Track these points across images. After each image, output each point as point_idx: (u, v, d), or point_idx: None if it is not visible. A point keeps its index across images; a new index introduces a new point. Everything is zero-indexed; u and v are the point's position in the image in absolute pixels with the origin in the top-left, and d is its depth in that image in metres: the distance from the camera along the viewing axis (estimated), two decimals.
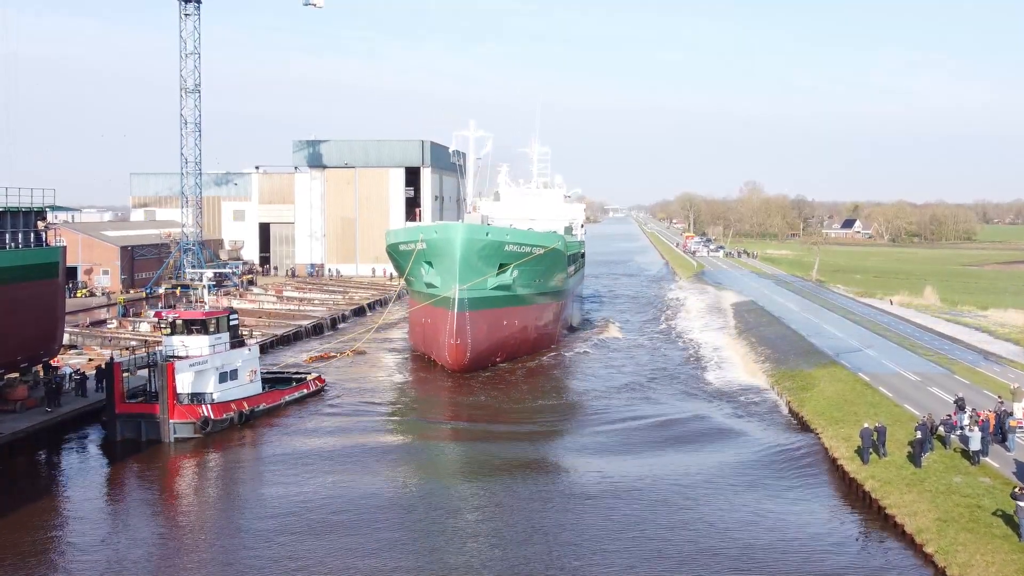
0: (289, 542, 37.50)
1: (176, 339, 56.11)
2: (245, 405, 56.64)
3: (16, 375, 57.13)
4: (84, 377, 60.97)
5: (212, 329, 56.87)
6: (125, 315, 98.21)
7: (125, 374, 54.17)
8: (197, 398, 54.33)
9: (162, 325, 58.49)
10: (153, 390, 54.32)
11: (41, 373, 59.97)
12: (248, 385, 58.66)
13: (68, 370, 61.55)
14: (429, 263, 74.81)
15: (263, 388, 60.41)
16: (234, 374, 57.53)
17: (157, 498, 45.18)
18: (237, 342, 59.26)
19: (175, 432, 52.74)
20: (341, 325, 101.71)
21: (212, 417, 53.68)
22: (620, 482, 45.44)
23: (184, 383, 53.93)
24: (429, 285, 75.54)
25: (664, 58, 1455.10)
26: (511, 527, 39.25)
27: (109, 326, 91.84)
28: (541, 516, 40.49)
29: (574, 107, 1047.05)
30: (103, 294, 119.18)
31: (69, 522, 41.07)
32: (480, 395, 66.29)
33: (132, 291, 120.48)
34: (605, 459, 49.61)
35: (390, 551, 36.49)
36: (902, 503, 39.65)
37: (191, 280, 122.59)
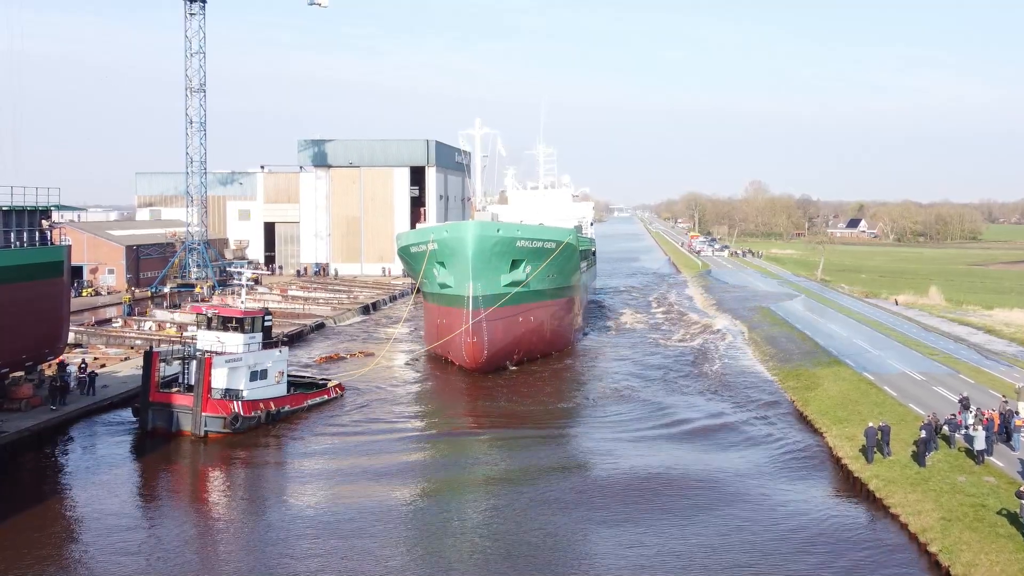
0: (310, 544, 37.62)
1: (212, 334, 57.05)
2: (272, 405, 57.26)
3: (21, 374, 57.32)
4: (92, 375, 61.08)
5: (248, 328, 57.79)
6: (130, 314, 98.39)
7: (162, 363, 55.21)
8: (230, 394, 55.18)
9: (199, 319, 59.26)
10: (186, 382, 55.16)
11: (46, 372, 60.10)
12: (275, 386, 59.12)
13: (73, 368, 61.66)
14: (442, 263, 74.68)
15: (288, 390, 60.77)
16: (264, 374, 58.10)
17: (183, 496, 45.39)
18: (269, 343, 59.93)
19: (205, 425, 53.43)
20: (347, 322, 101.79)
21: (242, 414, 54.36)
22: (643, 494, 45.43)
23: (219, 378, 54.75)
24: (443, 285, 75.43)
25: (668, 56, 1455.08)
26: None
27: (114, 325, 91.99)
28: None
29: (578, 105, 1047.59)
30: (108, 293, 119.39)
31: (88, 519, 41.07)
32: (499, 400, 65.09)
33: (137, 290, 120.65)
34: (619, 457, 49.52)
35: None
36: (906, 502, 39.62)
37: (197, 280, 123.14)
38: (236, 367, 56.04)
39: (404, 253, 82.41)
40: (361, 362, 77.31)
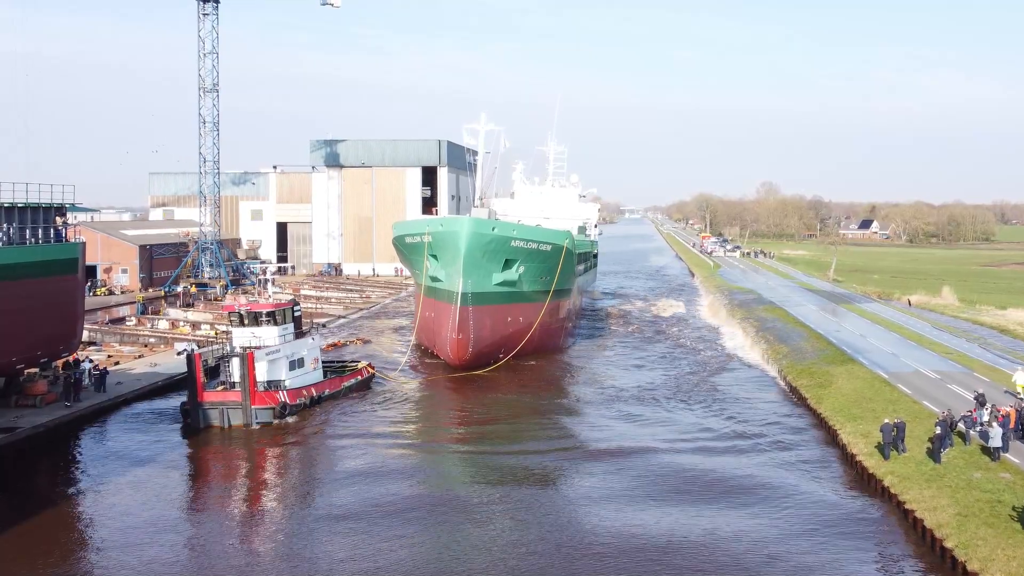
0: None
1: (246, 330, 58.06)
2: (313, 391, 58.98)
3: (36, 370, 57.57)
4: (104, 372, 61.34)
5: (280, 320, 59.03)
6: (144, 313, 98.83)
7: (203, 362, 56.10)
8: (273, 385, 56.38)
9: (232, 318, 60.20)
10: (228, 379, 56.03)
11: (60, 369, 60.40)
12: (312, 373, 60.95)
13: (87, 365, 61.94)
14: (435, 256, 74.64)
15: (324, 375, 62.78)
16: (301, 362, 59.78)
17: (237, 489, 45.83)
18: (300, 333, 61.44)
19: (256, 418, 54.60)
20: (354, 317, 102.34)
21: (288, 403, 55.91)
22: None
23: (260, 371, 55.82)
24: (434, 279, 75.43)
25: (677, 56, 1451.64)
26: None
27: (128, 323, 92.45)
28: None
29: (588, 106, 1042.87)
30: (122, 292, 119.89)
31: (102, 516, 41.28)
32: (477, 400, 64.42)
33: (151, 290, 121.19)
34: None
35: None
36: (921, 498, 39.44)
37: (209, 279, 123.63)
38: (275, 359, 57.36)
39: (399, 243, 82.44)
40: (358, 348, 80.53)
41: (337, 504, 41.50)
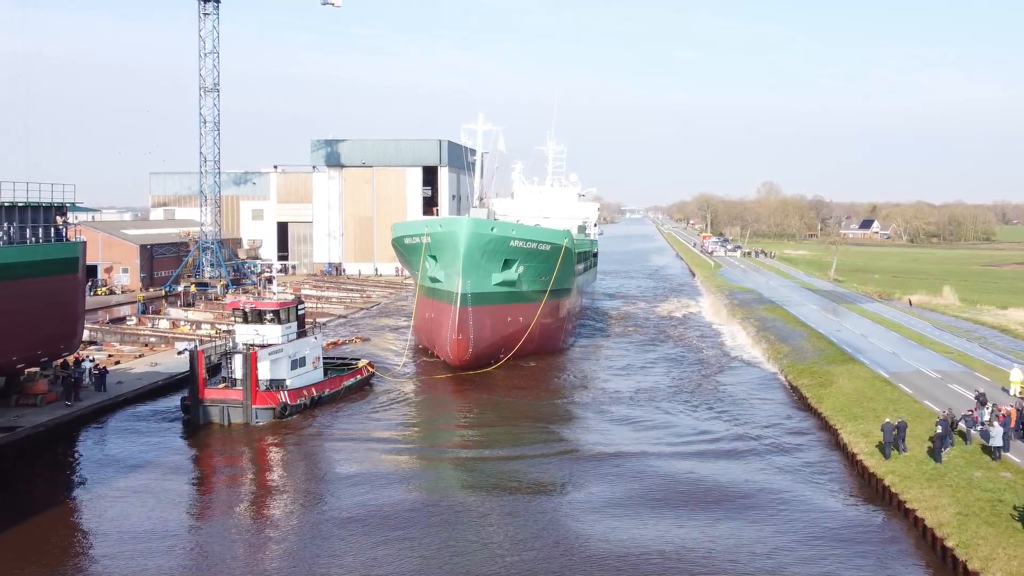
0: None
1: (250, 327, 58.35)
2: (314, 391, 59.23)
3: (36, 369, 57.57)
4: (104, 371, 61.35)
5: (284, 319, 59.31)
6: (144, 312, 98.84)
7: (206, 359, 56.19)
8: (275, 384, 56.61)
9: (236, 315, 60.37)
10: (230, 376, 56.31)
11: (59, 367, 60.43)
12: (313, 372, 61.25)
13: (88, 364, 61.96)
14: (434, 257, 74.61)
15: (324, 374, 63.09)
16: (302, 361, 60.02)
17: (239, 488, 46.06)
18: (302, 332, 61.74)
19: (256, 418, 54.89)
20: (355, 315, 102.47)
21: (289, 403, 56.18)
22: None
23: (263, 370, 56.09)
24: (434, 280, 75.43)
25: (679, 56, 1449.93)
26: None
27: (129, 323, 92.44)
28: None
29: (588, 106, 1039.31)
30: (123, 292, 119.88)
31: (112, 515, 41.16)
32: (476, 402, 64.15)
33: (151, 289, 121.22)
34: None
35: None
36: (922, 497, 39.42)
37: (210, 279, 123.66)
38: (278, 358, 57.54)
39: (398, 244, 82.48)
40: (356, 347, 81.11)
41: (337, 506, 41.47)
